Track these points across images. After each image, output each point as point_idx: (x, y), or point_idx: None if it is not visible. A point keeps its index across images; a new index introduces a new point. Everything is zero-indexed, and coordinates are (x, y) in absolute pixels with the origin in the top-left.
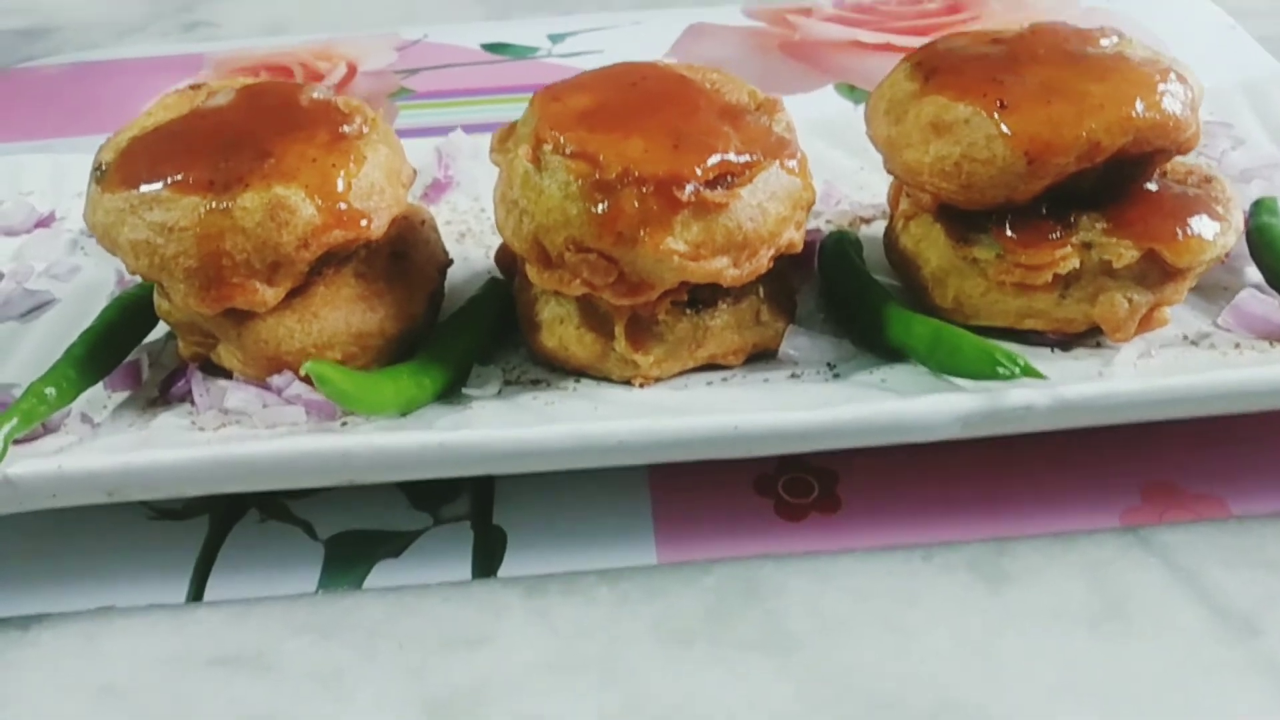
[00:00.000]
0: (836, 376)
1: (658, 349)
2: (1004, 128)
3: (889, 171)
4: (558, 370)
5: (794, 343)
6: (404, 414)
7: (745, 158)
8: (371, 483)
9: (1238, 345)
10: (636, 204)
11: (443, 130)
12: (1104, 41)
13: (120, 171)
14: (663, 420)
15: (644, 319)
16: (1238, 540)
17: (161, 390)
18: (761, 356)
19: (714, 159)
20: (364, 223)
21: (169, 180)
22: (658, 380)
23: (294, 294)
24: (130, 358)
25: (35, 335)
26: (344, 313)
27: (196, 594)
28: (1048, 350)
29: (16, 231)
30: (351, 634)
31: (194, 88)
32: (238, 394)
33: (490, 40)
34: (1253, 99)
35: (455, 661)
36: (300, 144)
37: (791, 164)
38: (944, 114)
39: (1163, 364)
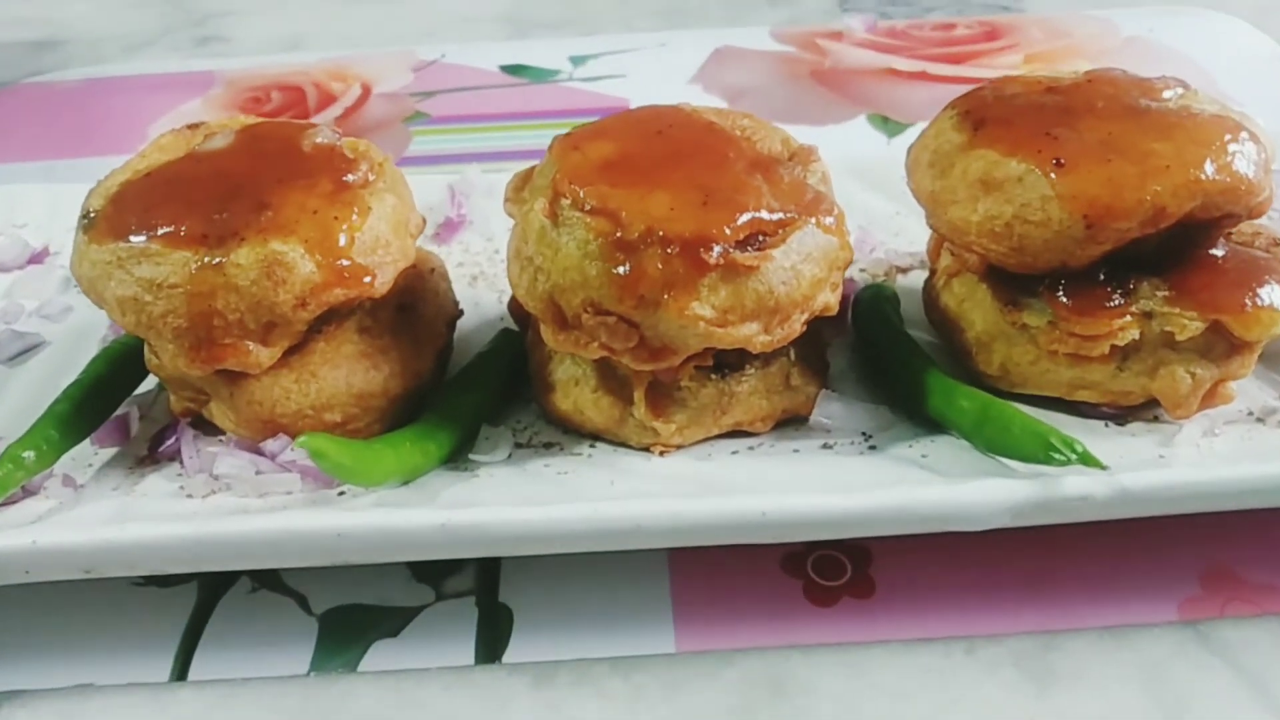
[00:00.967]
0: (873, 448)
1: (680, 415)
2: (1060, 188)
3: (932, 228)
4: (571, 432)
5: (827, 410)
6: (406, 482)
7: (778, 215)
8: (369, 563)
9: None
10: (660, 266)
11: (458, 158)
12: (1167, 94)
13: (109, 220)
14: (684, 503)
15: (665, 384)
16: None
17: (151, 447)
18: (792, 421)
19: (745, 217)
20: (367, 280)
21: (159, 232)
22: (679, 448)
23: (291, 351)
24: (119, 412)
25: (22, 381)
26: (345, 372)
27: (181, 671)
28: (1101, 424)
29: (9, 267)
30: None
31: (192, 127)
32: (228, 460)
33: (510, 62)
34: None
35: None
36: (300, 194)
37: (828, 221)
38: (994, 170)
39: (1227, 445)
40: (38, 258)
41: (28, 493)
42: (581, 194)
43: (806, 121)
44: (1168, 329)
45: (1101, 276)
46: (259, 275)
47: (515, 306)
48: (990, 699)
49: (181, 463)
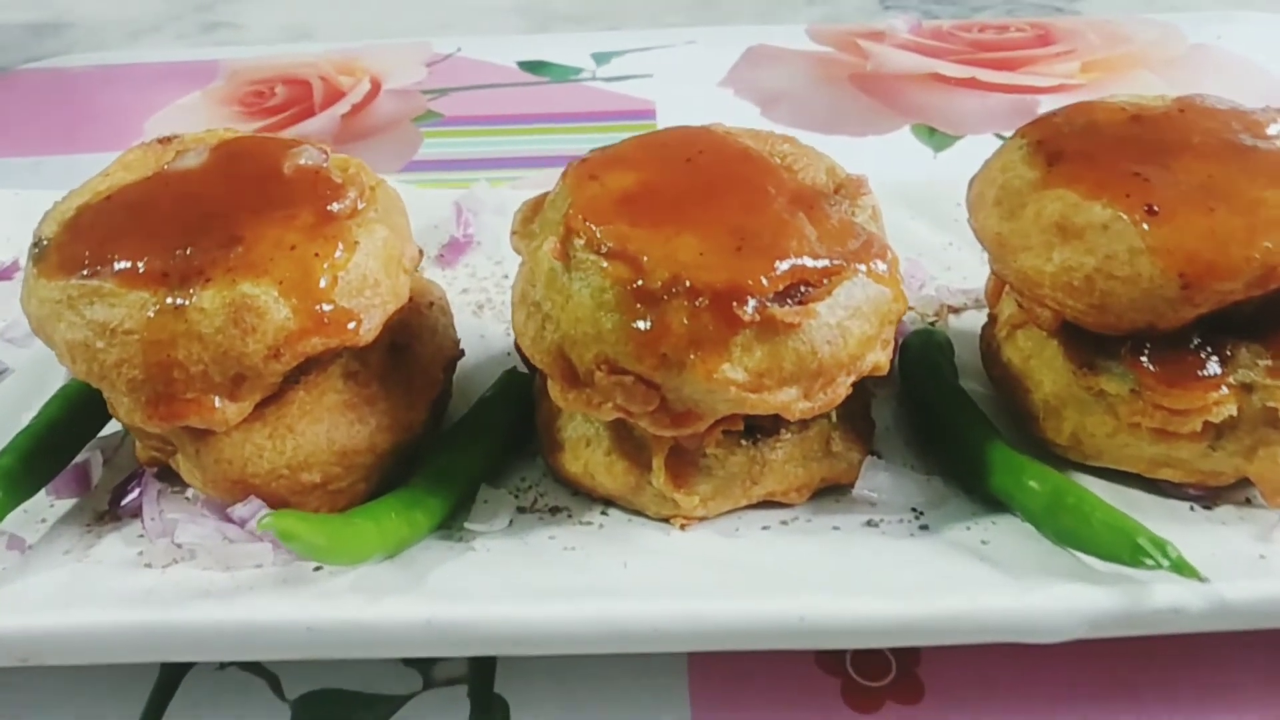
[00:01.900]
0: (924, 529)
1: (704, 486)
2: (1153, 240)
3: (996, 273)
4: (581, 493)
5: (872, 481)
6: (392, 556)
7: (823, 263)
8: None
9: None
10: (686, 320)
11: (470, 164)
12: (1273, 129)
13: (61, 251)
14: (708, 604)
15: (689, 451)
16: None
17: (113, 499)
18: (831, 489)
19: (785, 265)
20: (351, 326)
21: (115, 268)
22: (703, 518)
23: (266, 402)
24: (79, 458)
25: None
26: (326, 426)
27: None
28: (1185, 507)
29: None
30: None
31: (163, 141)
32: (192, 529)
33: (529, 58)
34: None
35: None
36: (277, 227)
37: (880, 268)
38: (1074, 215)
39: None
40: (6, 273)
41: None
42: (598, 233)
43: (845, 131)
44: (1270, 404)
45: (1194, 341)
46: (225, 322)
47: None
48: None
49: (144, 523)
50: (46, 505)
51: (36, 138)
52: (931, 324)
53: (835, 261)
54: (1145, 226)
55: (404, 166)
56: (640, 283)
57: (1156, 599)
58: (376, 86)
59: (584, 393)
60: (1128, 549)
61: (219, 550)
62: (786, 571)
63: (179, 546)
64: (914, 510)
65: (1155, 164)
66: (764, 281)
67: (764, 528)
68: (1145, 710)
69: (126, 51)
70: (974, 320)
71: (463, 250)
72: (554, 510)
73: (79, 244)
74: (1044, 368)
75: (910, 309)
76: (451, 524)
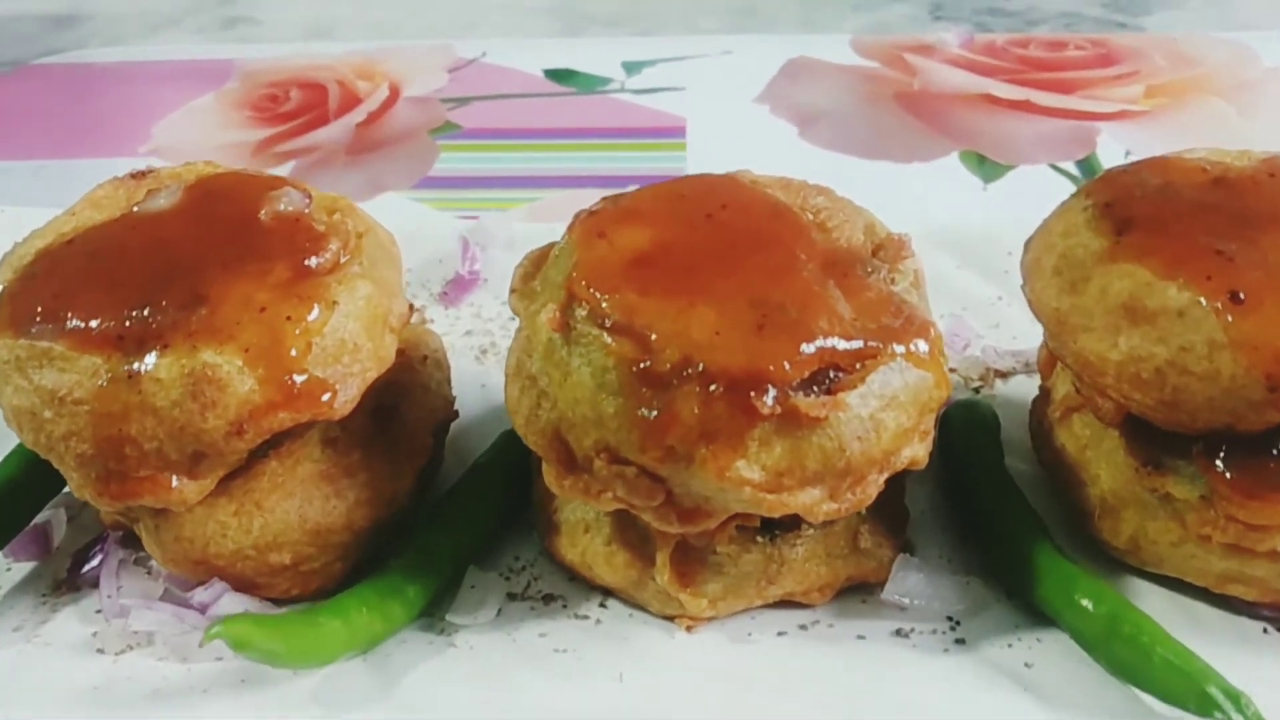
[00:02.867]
0: (960, 643)
1: (714, 584)
2: (1237, 333)
3: (1054, 353)
4: (579, 579)
5: (904, 584)
6: (364, 653)
7: (857, 344)
8: None
9: None
10: (697, 409)
11: (487, 181)
12: None
13: (13, 304)
14: None
15: (697, 547)
16: None
17: (74, 564)
18: (858, 586)
19: (812, 347)
20: (325, 397)
21: (68, 326)
22: (712, 618)
23: (235, 474)
24: (40, 518)
25: None
26: (298, 501)
27: None
28: (1257, 627)
29: None
30: None
31: (136, 176)
32: (148, 615)
33: (556, 64)
34: None
35: None
36: (247, 284)
37: (921, 349)
38: (1145, 296)
39: None
40: None
41: None
42: (603, 302)
43: (889, 157)
44: None
45: (1278, 448)
46: (182, 395)
47: None
48: None
49: (100, 599)
50: (4, 569)
51: (41, 139)
52: (976, 390)
53: (870, 343)
54: (1229, 317)
55: (418, 183)
56: (647, 363)
57: None
58: (395, 93)
59: (582, 479)
60: (1195, 697)
61: (176, 641)
62: (802, 691)
63: (134, 633)
64: (949, 620)
65: (1240, 239)
66: (787, 367)
67: (780, 633)
68: None
69: (143, 46)
70: (1023, 387)
71: (468, 288)
72: (548, 599)
73: (32, 297)
74: (1102, 460)
75: (952, 370)
76: (434, 610)
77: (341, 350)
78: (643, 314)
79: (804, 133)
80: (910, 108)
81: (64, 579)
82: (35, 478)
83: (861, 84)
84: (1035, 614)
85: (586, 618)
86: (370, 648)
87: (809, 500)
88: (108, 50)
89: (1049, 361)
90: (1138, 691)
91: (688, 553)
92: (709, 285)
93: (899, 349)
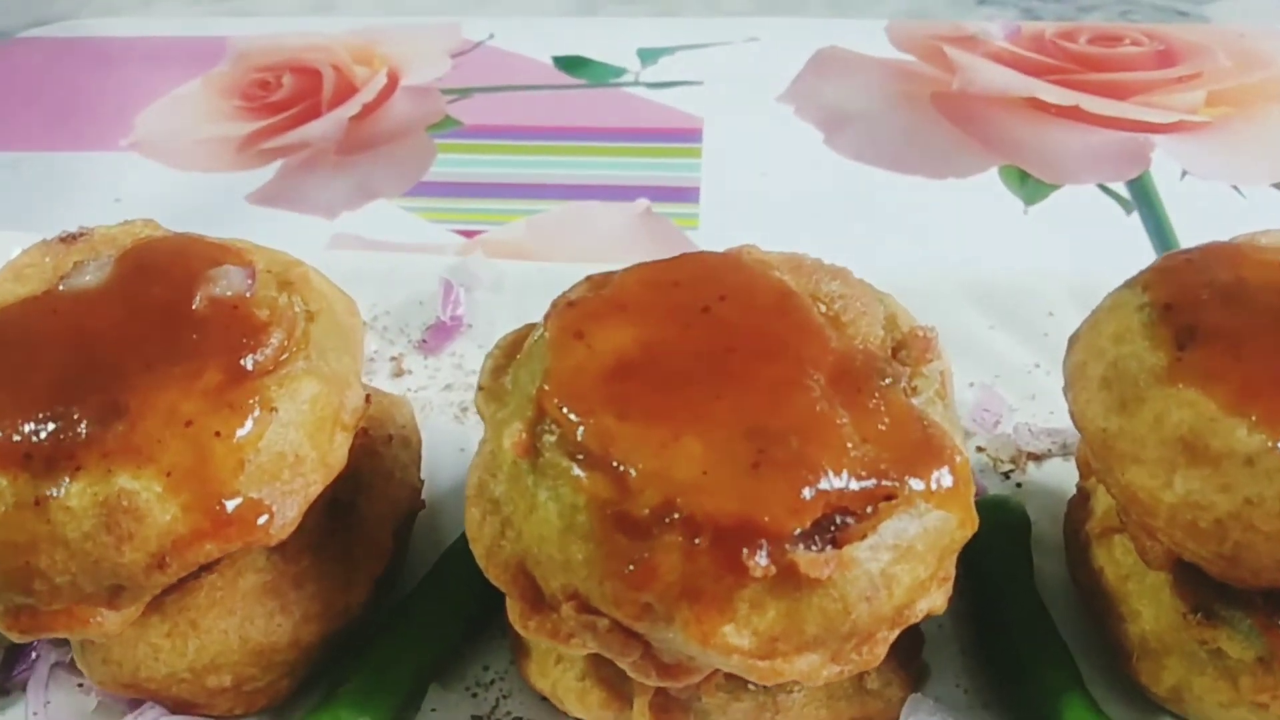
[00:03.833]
0: None
1: None
2: None
3: (1098, 477)
4: (549, 704)
5: None
6: None
7: (869, 483)
8: None
9: None
10: (679, 563)
11: (485, 189)
12: None
13: None
14: None
15: (681, 698)
16: None
17: (5, 664)
18: None
19: (815, 490)
20: (261, 520)
21: None
22: None
23: (169, 589)
24: None
25: None
26: (239, 619)
27: None
28: None
29: None
30: None
31: (66, 240)
32: None
33: (568, 50)
34: None
35: None
36: (173, 391)
37: (944, 484)
38: (1209, 433)
39: None
40: None
41: None
42: (577, 427)
43: (921, 170)
44: None
45: None
46: (95, 527)
47: None
48: None
49: (27, 714)
50: None
51: (19, 129)
52: (1006, 475)
53: (884, 481)
54: None
55: (411, 189)
56: (623, 506)
57: None
58: (393, 81)
59: (550, 620)
60: None
61: None
62: None
63: None
64: None
65: None
66: (785, 516)
67: None
68: None
69: (137, 19)
70: (1059, 474)
71: (449, 335)
72: None
73: None
74: (1146, 597)
75: (980, 450)
76: None
77: (280, 465)
78: (621, 444)
79: (829, 139)
80: (948, 112)
81: None
82: None
83: (895, 82)
84: None
85: None
86: None
87: (807, 666)
88: (99, 21)
89: (1089, 461)
90: None
91: (669, 701)
92: (699, 407)
93: (917, 485)
